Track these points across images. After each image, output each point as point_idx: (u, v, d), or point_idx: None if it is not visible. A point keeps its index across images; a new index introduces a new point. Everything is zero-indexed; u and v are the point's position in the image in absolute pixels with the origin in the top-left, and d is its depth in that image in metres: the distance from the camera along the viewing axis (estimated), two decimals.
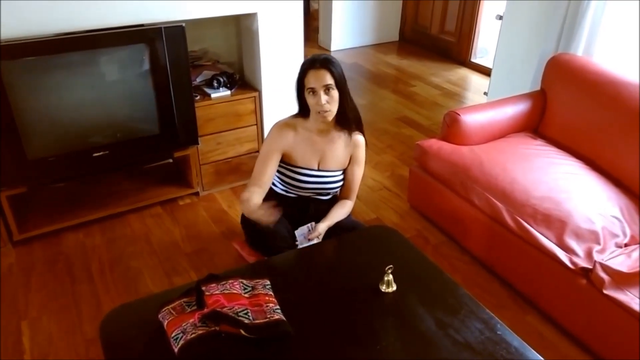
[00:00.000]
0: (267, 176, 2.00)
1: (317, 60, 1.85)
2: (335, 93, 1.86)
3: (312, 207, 2.09)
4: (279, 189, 2.10)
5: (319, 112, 1.87)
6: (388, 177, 3.25)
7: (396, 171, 3.31)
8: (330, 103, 1.86)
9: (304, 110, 1.98)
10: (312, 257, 1.83)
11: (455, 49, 5.36)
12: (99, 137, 2.52)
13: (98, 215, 2.72)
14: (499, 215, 2.26)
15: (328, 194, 2.11)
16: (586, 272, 1.95)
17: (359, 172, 2.11)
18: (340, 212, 2.05)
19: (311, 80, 1.84)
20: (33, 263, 2.46)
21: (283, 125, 2.02)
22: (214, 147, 2.91)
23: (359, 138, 2.07)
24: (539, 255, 2.10)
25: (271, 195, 2.09)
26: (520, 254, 2.20)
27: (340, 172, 2.08)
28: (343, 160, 2.06)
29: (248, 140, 3.00)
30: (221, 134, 2.90)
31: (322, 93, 1.83)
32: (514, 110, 2.79)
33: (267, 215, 1.74)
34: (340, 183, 2.10)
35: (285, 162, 2.03)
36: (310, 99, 1.87)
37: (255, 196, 1.90)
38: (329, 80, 1.83)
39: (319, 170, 2.04)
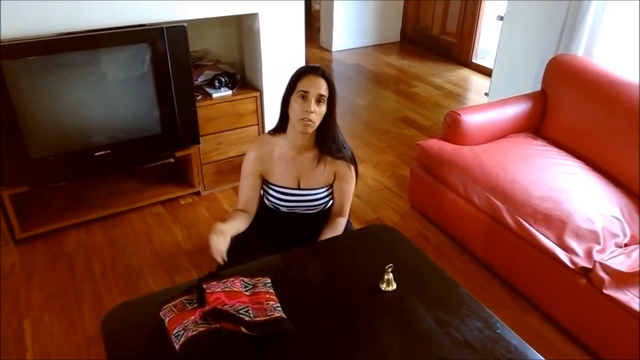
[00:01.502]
0: (250, 199, 1.96)
1: (318, 68, 1.78)
2: (323, 108, 1.78)
3: (301, 221, 2.02)
4: (269, 202, 2.04)
5: (302, 119, 1.75)
6: (389, 177, 3.26)
7: (397, 171, 3.32)
8: (316, 114, 1.75)
9: (283, 121, 1.87)
10: (313, 255, 1.83)
11: (456, 49, 5.37)
12: (101, 137, 2.53)
13: (100, 214, 2.73)
14: (499, 215, 2.26)
15: (315, 208, 2.02)
16: (586, 272, 1.96)
17: (347, 189, 1.97)
18: (330, 236, 1.92)
19: (307, 84, 1.74)
20: (35, 262, 2.48)
21: (259, 145, 1.95)
22: (215, 146, 2.92)
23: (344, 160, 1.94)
24: (539, 255, 2.11)
25: (263, 210, 2.05)
26: (520, 253, 2.21)
27: (325, 189, 1.97)
28: (326, 177, 1.94)
29: (249, 140, 3.01)
30: (222, 134, 2.91)
31: (313, 100, 1.73)
32: (514, 111, 2.80)
33: (218, 253, 1.69)
34: (327, 199, 2.00)
35: (266, 181, 1.97)
36: (297, 104, 1.75)
37: (230, 224, 1.84)
38: (324, 91, 1.74)
39: (299, 189, 1.95)
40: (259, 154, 1.93)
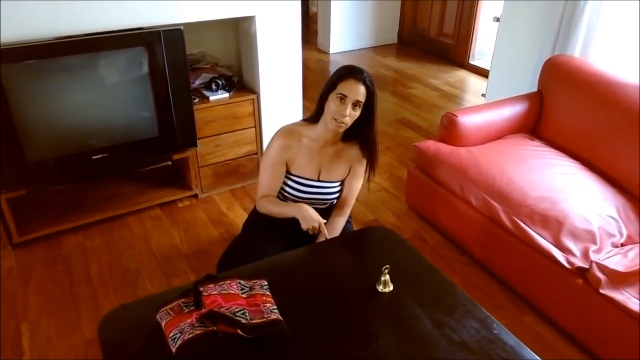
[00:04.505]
0: (273, 187, 2.00)
1: (361, 72, 1.81)
2: (358, 112, 1.83)
3: None
4: (284, 195, 2.06)
5: (336, 120, 1.82)
6: (386, 179, 3.26)
7: (395, 173, 3.33)
8: (350, 117, 1.82)
9: (318, 113, 1.92)
10: (310, 257, 1.84)
11: (453, 51, 5.38)
12: (98, 140, 2.53)
13: (97, 217, 2.73)
14: (496, 216, 2.27)
15: (325, 203, 2.07)
16: (583, 272, 1.96)
17: (356, 186, 2.05)
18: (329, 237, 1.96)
19: (346, 88, 1.78)
20: (32, 265, 2.47)
21: (287, 134, 1.97)
22: (213, 149, 2.93)
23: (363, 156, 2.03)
24: (535, 255, 2.11)
25: None
26: (517, 254, 2.21)
27: (339, 183, 2.04)
28: (343, 172, 2.02)
29: (246, 142, 3.02)
30: (220, 136, 2.92)
31: (350, 105, 1.79)
32: (511, 112, 2.81)
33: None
34: (338, 194, 2.05)
35: (287, 171, 2.00)
36: (333, 104, 1.81)
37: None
38: (362, 97, 1.79)
39: (318, 180, 2.00)
40: (287, 142, 1.96)
